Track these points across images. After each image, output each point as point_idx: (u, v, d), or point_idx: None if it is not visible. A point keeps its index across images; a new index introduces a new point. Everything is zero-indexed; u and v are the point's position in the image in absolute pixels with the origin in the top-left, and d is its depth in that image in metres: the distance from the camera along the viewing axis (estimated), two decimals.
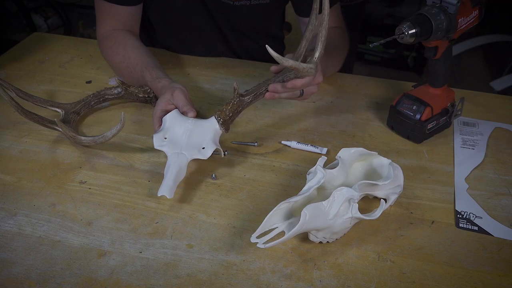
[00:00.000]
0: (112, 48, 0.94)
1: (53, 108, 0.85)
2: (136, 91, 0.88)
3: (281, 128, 0.87)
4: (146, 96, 0.88)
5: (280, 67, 0.80)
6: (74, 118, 0.85)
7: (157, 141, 0.73)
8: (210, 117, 0.77)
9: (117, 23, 0.98)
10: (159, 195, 0.67)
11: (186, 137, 0.74)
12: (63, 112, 0.84)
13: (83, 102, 0.87)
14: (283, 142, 0.83)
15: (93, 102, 0.88)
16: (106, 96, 0.89)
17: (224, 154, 0.77)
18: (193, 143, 0.73)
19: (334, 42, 0.97)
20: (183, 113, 0.77)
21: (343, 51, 1.00)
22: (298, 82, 0.77)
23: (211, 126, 0.75)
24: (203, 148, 0.73)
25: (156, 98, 0.87)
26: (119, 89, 0.88)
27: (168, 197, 0.67)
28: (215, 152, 0.74)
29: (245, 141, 0.82)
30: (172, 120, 0.76)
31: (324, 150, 0.81)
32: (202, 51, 1.09)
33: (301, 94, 0.82)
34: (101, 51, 0.99)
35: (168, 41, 1.11)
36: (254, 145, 0.82)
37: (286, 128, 0.87)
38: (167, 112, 0.78)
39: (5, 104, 0.90)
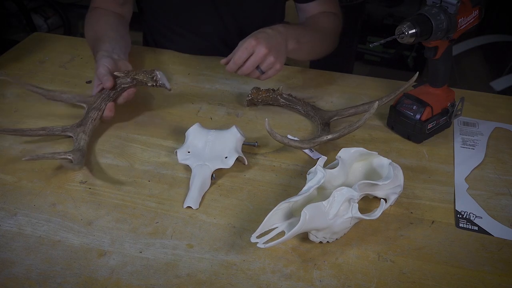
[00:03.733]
0: (90, 21, 0.96)
1: (80, 103, 0.84)
2: (145, 79, 0.83)
3: (281, 128, 0.87)
4: (155, 84, 0.84)
5: (228, 58, 0.86)
6: (94, 117, 0.82)
7: (181, 155, 0.75)
8: (231, 127, 0.78)
9: (107, 3, 1.03)
10: (184, 206, 0.69)
11: (209, 149, 0.76)
12: (86, 107, 0.83)
13: (103, 95, 0.84)
14: None
15: (112, 94, 0.85)
16: (122, 86, 0.84)
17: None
18: (215, 154, 0.75)
19: (318, 23, 0.98)
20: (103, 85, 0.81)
21: (326, 33, 1.00)
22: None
23: (233, 135, 0.77)
24: (226, 157, 0.75)
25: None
26: (129, 79, 0.84)
27: (193, 208, 0.69)
28: (238, 160, 0.76)
29: (245, 141, 0.82)
30: (195, 134, 0.78)
31: (317, 155, 0.80)
32: (202, 50, 1.09)
33: (262, 72, 0.85)
34: (84, 25, 1.02)
35: (168, 41, 1.11)
36: (254, 145, 0.82)
37: (286, 128, 0.87)
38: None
39: (5, 104, 0.91)
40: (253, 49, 0.82)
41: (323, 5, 1.02)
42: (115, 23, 0.99)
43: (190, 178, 0.73)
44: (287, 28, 0.87)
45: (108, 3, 1.03)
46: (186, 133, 0.78)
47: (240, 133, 0.78)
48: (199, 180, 0.71)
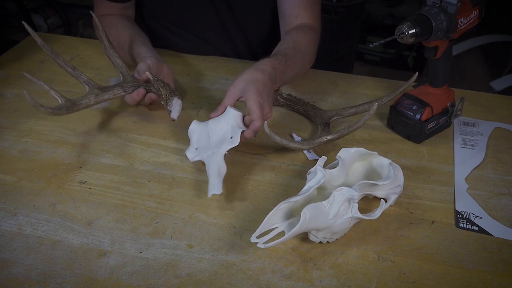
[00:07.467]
0: (106, 28, 0.96)
1: (121, 72, 0.85)
2: (163, 96, 0.83)
3: (281, 128, 0.87)
4: (165, 105, 0.83)
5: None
6: (116, 92, 0.82)
7: (190, 155, 0.75)
8: (225, 110, 0.77)
9: (111, 10, 1.03)
10: (209, 195, 0.68)
11: (213, 137, 0.76)
12: (121, 81, 0.85)
13: (139, 83, 0.85)
14: None
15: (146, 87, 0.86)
16: (152, 88, 0.85)
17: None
18: (220, 139, 0.75)
19: (300, 46, 0.93)
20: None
21: (306, 55, 0.95)
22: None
23: (231, 116, 0.76)
24: (231, 137, 0.74)
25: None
26: (155, 86, 0.84)
27: (218, 193, 0.67)
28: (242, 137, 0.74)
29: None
30: (196, 130, 0.77)
31: (313, 157, 0.80)
32: (203, 52, 1.09)
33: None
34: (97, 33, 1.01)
35: (168, 43, 1.11)
36: (254, 145, 0.82)
37: (286, 128, 0.87)
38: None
39: (5, 104, 0.91)
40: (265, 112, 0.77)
41: (303, 10, 0.97)
42: (134, 27, 1.01)
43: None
44: (274, 69, 0.82)
45: (115, 8, 1.03)
46: (188, 133, 0.78)
47: (236, 110, 0.76)
48: (215, 167, 0.71)
